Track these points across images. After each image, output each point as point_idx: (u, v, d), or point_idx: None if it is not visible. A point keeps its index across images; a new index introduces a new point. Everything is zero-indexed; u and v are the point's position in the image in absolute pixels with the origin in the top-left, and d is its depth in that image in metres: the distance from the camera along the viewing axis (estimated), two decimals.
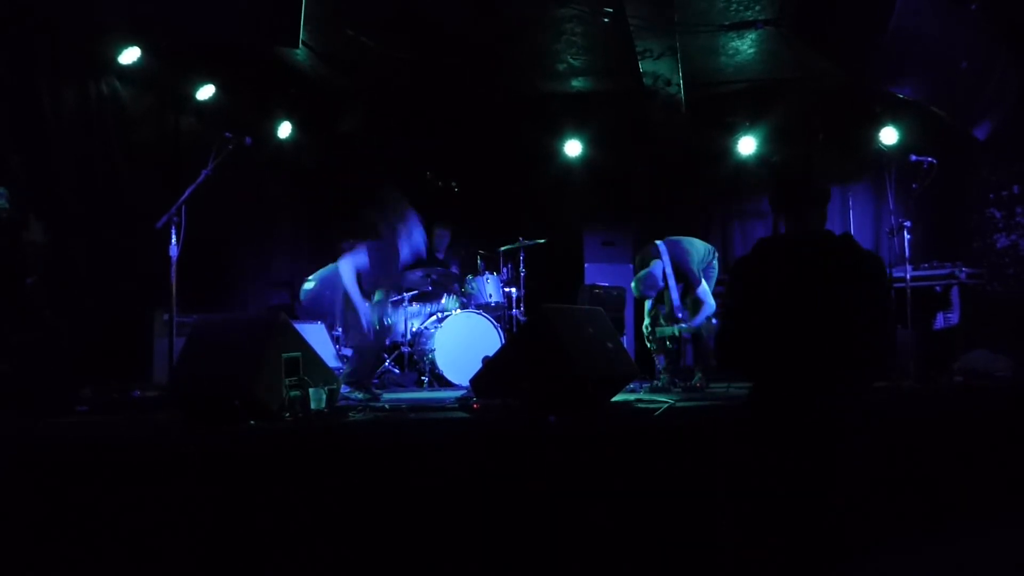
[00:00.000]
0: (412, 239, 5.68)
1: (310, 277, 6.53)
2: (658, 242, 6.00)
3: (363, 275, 5.58)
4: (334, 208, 8.25)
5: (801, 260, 3.44)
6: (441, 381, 6.83)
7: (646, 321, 6.07)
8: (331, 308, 6.00)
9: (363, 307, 5.44)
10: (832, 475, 3.05)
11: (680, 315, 5.85)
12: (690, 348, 6.19)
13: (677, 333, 5.83)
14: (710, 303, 5.84)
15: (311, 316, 6.37)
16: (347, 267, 5.48)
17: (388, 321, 5.78)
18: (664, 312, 6.00)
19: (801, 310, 3.29)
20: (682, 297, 5.88)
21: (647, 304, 6.07)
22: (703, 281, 5.88)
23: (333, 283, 5.97)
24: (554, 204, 9.13)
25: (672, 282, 5.88)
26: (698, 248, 6.01)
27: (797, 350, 3.29)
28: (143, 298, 6.04)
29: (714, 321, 5.80)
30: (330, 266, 6.37)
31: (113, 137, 6.26)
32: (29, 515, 2.84)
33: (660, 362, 6.06)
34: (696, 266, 5.88)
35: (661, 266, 5.90)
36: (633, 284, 5.98)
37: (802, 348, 3.28)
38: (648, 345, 6.06)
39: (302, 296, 6.37)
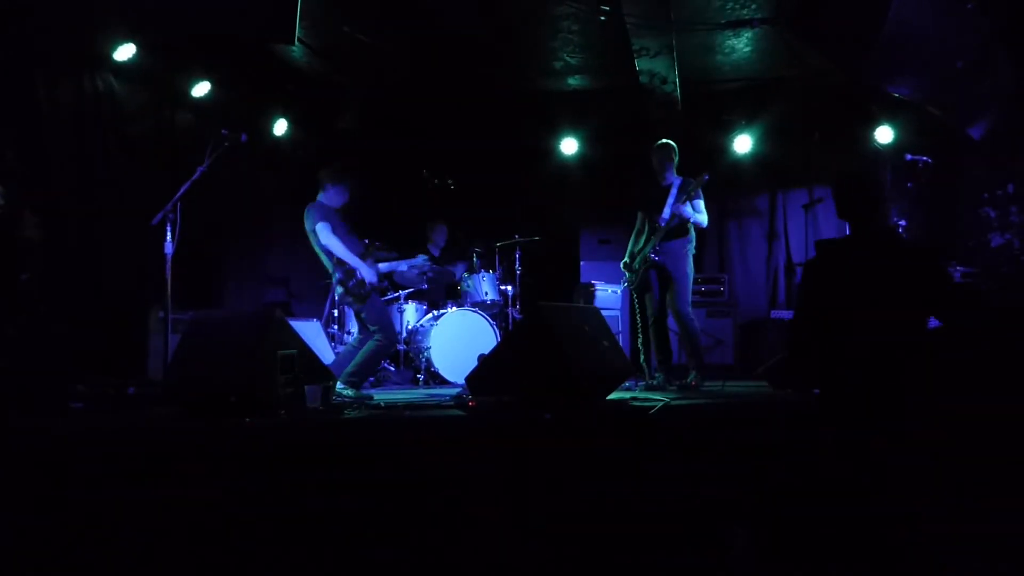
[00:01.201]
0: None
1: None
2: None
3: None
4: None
5: (856, 260, 3.47)
6: (437, 379, 6.84)
7: (625, 259, 6.18)
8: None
9: (364, 267, 5.39)
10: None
11: (662, 224, 5.87)
12: (683, 346, 6.20)
13: (661, 224, 5.86)
14: (705, 215, 5.96)
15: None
16: (324, 232, 5.37)
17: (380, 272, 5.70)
18: (650, 224, 6.07)
19: (860, 311, 3.30)
20: (672, 213, 5.92)
21: (631, 245, 6.21)
22: (702, 200, 6.00)
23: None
24: (550, 202, 9.13)
25: (672, 199, 5.91)
26: None
27: (862, 353, 3.28)
28: (138, 294, 6.04)
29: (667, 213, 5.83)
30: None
31: (109, 133, 6.25)
32: (25, 512, 2.84)
33: (655, 362, 6.07)
34: (702, 194, 6.00)
35: (675, 176, 6.02)
36: (655, 152, 6.08)
37: (867, 351, 3.27)
38: (628, 277, 6.15)
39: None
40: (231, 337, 4.10)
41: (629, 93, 7.91)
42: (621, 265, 6.22)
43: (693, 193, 5.91)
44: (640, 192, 6.24)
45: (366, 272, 5.40)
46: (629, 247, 6.23)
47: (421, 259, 6.41)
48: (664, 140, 6.12)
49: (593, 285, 7.96)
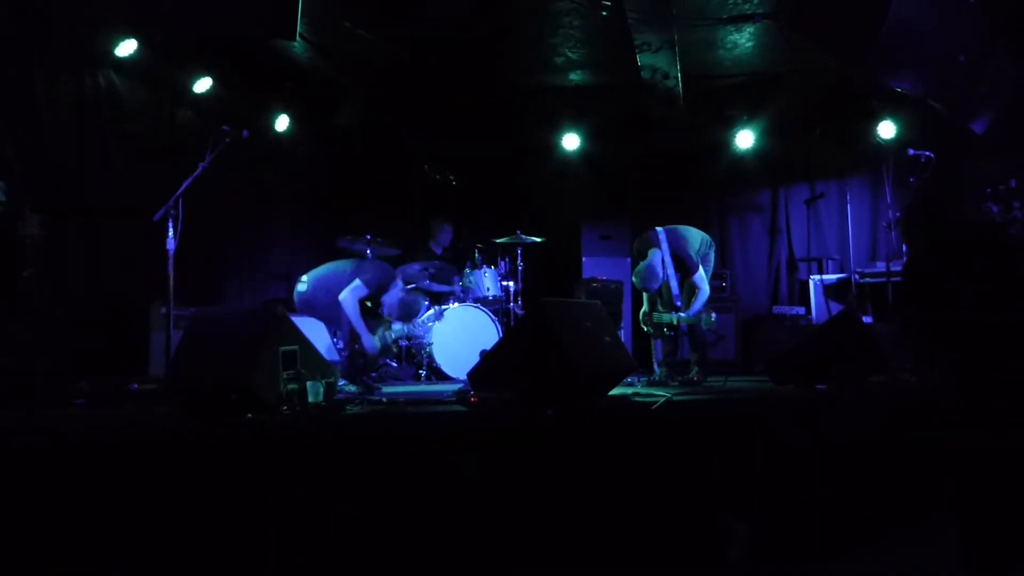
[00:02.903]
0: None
1: (302, 278, 6.24)
2: (657, 228, 6.01)
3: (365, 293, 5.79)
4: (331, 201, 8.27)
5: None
6: (439, 375, 6.83)
7: (644, 307, 6.12)
8: (326, 312, 5.94)
9: (367, 337, 5.68)
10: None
11: (678, 303, 5.87)
12: (686, 341, 6.19)
13: (675, 322, 5.84)
14: (705, 290, 5.89)
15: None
16: (349, 299, 5.65)
17: (390, 340, 5.96)
18: (663, 300, 6.03)
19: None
20: (680, 285, 5.89)
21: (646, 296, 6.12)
22: (700, 268, 5.90)
23: (328, 287, 5.94)
24: (552, 198, 9.12)
25: (671, 270, 5.90)
26: (695, 236, 6.05)
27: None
28: (140, 291, 6.04)
29: (713, 316, 5.80)
30: (324, 267, 6.27)
31: (110, 130, 6.25)
32: (26, 508, 2.84)
33: (658, 354, 6.07)
34: (695, 253, 5.92)
35: (660, 255, 5.91)
36: (634, 278, 5.99)
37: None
38: (644, 328, 6.12)
39: (295, 298, 6.24)
40: (233, 334, 4.09)
41: (631, 89, 7.90)
42: (641, 316, 6.12)
43: (688, 268, 5.91)
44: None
45: (368, 343, 5.69)
46: (645, 297, 6.16)
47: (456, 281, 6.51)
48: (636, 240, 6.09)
49: (621, 283, 7.99)
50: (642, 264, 5.89)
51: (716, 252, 6.38)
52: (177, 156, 6.44)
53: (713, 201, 9.07)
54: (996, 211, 7.05)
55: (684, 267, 5.90)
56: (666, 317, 5.91)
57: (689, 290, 5.92)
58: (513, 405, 3.89)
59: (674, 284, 5.89)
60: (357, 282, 5.61)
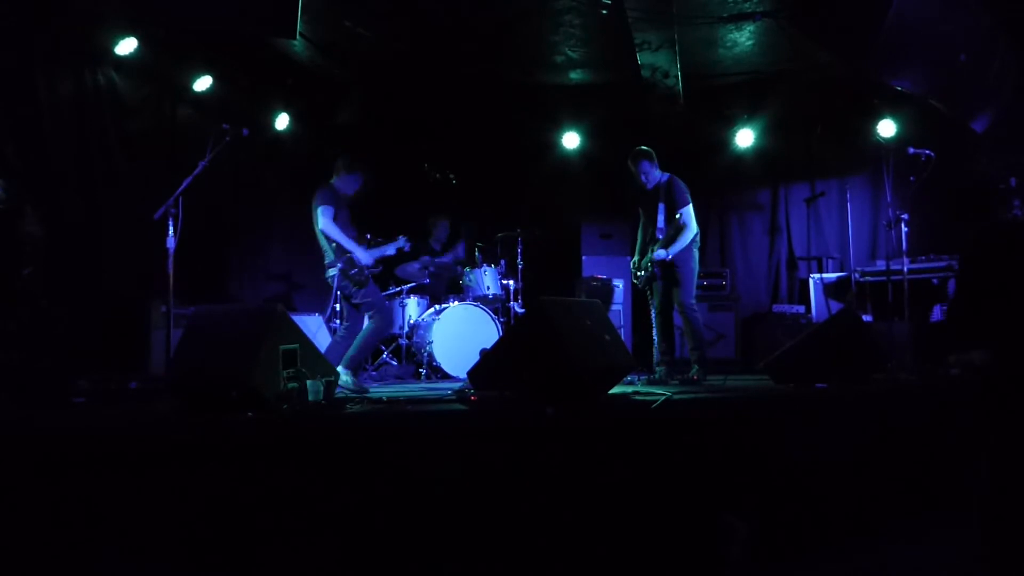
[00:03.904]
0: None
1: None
2: None
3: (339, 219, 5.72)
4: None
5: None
6: (439, 373, 6.84)
7: (634, 258, 6.20)
8: (344, 282, 5.89)
9: (359, 250, 5.62)
10: None
11: (659, 237, 5.93)
12: (686, 340, 6.19)
13: (650, 255, 5.93)
14: (692, 227, 5.93)
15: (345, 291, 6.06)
16: (323, 217, 5.58)
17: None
18: (647, 236, 6.13)
19: None
20: (667, 222, 5.95)
21: (639, 242, 6.23)
22: (691, 205, 5.96)
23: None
24: (552, 196, 9.12)
25: (663, 206, 5.95)
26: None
27: None
28: (140, 289, 6.04)
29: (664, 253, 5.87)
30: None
31: (110, 128, 6.25)
32: (25, 508, 2.84)
33: (657, 355, 6.07)
34: (687, 195, 5.98)
35: (659, 176, 6.04)
36: (630, 160, 6.07)
37: None
38: (635, 282, 6.19)
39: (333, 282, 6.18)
40: (233, 332, 4.09)
41: (631, 87, 7.89)
42: (631, 265, 6.21)
43: (678, 202, 5.94)
44: (634, 194, 6.27)
45: (361, 255, 5.59)
46: (638, 243, 6.24)
47: (402, 240, 6.37)
48: (636, 149, 6.12)
49: (610, 280, 8.01)
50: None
51: (716, 251, 6.38)
52: (177, 154, 6.45)
53: (713, 200, 9.06)
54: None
55: (673, 201, 5.94)
56: (646, 259, 5.97)
57: (676, 230, 5.93)
58: (513, 404, 3.89)
59: (661, 218, 5.94)
60: (318, 209, 5.61)
